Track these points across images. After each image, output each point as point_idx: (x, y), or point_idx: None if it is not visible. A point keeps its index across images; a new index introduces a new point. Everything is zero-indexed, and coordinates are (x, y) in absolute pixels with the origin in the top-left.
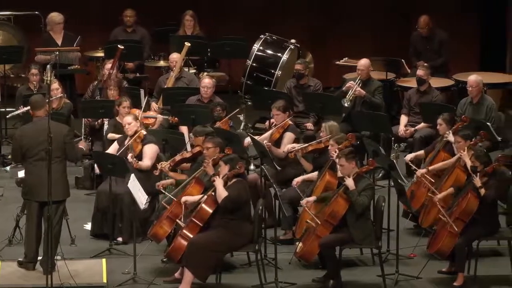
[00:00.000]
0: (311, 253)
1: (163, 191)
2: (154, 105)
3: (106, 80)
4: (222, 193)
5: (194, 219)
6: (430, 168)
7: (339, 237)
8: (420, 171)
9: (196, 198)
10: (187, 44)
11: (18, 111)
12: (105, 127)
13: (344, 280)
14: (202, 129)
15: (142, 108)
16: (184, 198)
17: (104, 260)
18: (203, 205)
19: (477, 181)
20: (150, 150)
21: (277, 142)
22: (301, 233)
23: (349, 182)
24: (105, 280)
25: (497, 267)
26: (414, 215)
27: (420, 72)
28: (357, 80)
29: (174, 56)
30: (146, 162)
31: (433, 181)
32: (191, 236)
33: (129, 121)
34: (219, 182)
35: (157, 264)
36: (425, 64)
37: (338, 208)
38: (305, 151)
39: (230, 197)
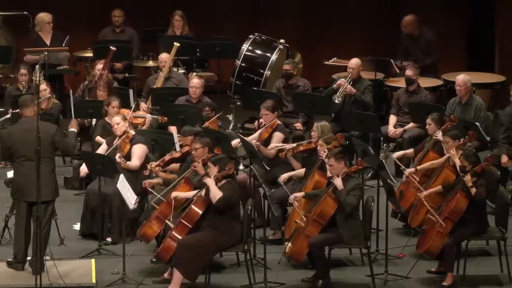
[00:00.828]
0: (300, 253)
1: (150, 189)
2: (143, 105)
3: (97, 81)
4: (216, 193)
5: (183, 221)
6: (418, 167)
7: (328, 237)
8: (408, 170)
9: (187, 194)
10: (176, 44)
11: (7, 116)
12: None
13: (333, 280)
14: (191, 129)
15: (132, 108)
16: (174, 194)
17: (93, 260)
18: (193, 206)
19: (468, 180)
20: (139, 150)
21: (266, 142)
22: (290, 233)
23: (337, 182)
24: (94, 281)
25: (486, 267)
26: (403, 215)
27: (409, 72)
28: (347, 78)
29: (163, 56)
30: (135, 162)
31: (418, 179)
32: (180, 237)
33: (118, 121)
34: (211, 182)
35: (146, 264)
36: (415, 64)
37: (327, 208)
38: (296, 150)
39: (225, 197)
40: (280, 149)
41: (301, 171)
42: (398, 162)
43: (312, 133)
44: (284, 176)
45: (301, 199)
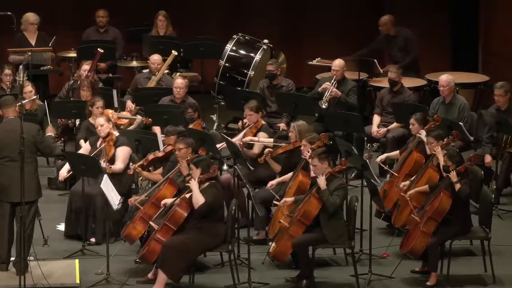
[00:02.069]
0: (284, 253)
1: (138, 205)
2: (129, 103)
3: (82, 81)
4: (199, 198)
5: (168, 224)
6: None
7: (312, 237)
8: (409, 193)
9: (172, 200)
10: (174, 52)
11: None
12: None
13: (317, 280)
14: (174, 128)
15: (117, 109)
16: (163, 202)
17: (77, 261)
18: (178, 208)
19: (454, 176)
20: (123, 153)
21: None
22: (274, 233)
23: (321, 181)
24: (78, 281)
25: (470, 267)
26: (387, 214)
27: (391, 74)
28: (332, 81)
29: (156, 58)
30: (119, 165)
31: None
32: (165, 240)
33: (102, 123)
34: (195, 186)
35: (130, 265)
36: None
37: (310, 208)
38: (275, 153)
39: (207, 203)
40: (258, 155)
41: (288, 175)
42: (382, 165)
43: (289, 134)
44: (272, 182)
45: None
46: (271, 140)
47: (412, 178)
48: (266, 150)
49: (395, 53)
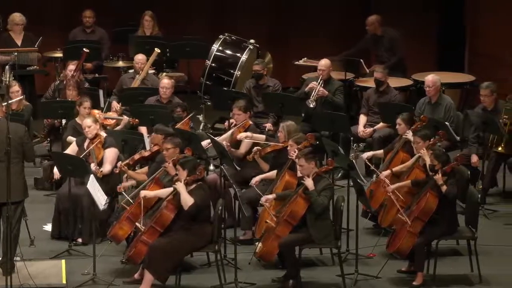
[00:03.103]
0: (270, 253)
1: (124, 193)
2: (115, 104)
3: (67, 81)
4: (188, 199)
5: (154, 226)
6: (394, 169)
7: (298, 237)
8: (384, 173)
9: (156, 193)
10: (157, 50)
11: None
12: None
13: (304, 280)
14: (164, 128)
15: (103, 109)
16: (143, 193)
17: (63, 261)
18: (164, 210)
19: (439, 178)
20: (111, 154)
21: (238, 142)
22: (261, 233)
23: (308, 183)
24: (64, 281)
25: (456, 267)
26: (374, 214)
27: (377, 74)
28: (319, 80)
29: (140, 58)
30: (107, 167)
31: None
32: (151, 242)
33: (89, 124)
34: (182, 188)
35: (116, 265)
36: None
37: (297, 208)
38: (263, 152)
39: (196, 204)
40: (247, 152)
41: (273, 173)
42: (368, 163)
43: (278, 134)
44: (256, 179)
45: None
46: (263, 137)
47: (398, 167)
48: (255, 148)
49: (381, 53)
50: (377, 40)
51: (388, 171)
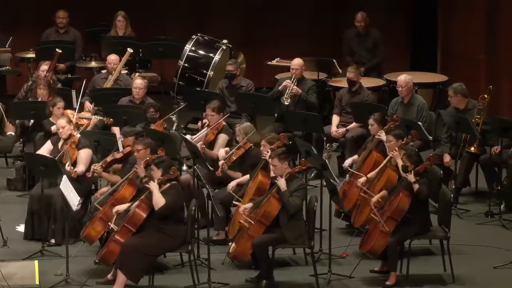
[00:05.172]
0: (244, 253)
1: (97, 206)
2: (88, 104)
3: (39, 80)
4: (159, 200)
5: (127, 225)
6: (369, 175)
7: (272, 237)
8: (360, 181)
9: (126, 206)
10: (130, 50)
11: None
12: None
13: (277, 280)
14: (131, 129)
15: (76, 109)
16: (115, 209)
17: (36, 262)
18: (137, 210)
19: (411, 177)
20: (85, 155)
21: (212, 144)
22: (234, 233)
23: (281, 183)
24: (37, 282)
25: (429, 266)
26: (347, 214)
27: (350, 74)
28: (292, 79)
29: (113, 58)
30: (81, 168)
31: (368, 191)
32: (124, 241)
33: (63, 125)
34: (155, 188)
35: (89, 266)
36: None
37: (270, 209)
38: (230, 162)
39: (168, 204)
40: (215, 169)
41: (247, 177)
42: (350, 169)
43: (237, 138)
44: (232, 184)
45: (245, 199)
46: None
47: (371, 174)
48: (220, 162)
49: (362, 53)
50: (360, 40)
51: (364, 178)
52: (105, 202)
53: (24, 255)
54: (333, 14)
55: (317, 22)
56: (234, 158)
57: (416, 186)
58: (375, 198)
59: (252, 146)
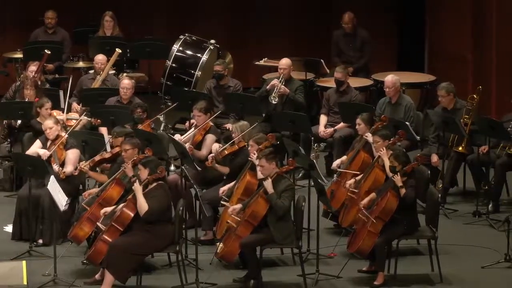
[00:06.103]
0: (231, 254)
1: (85, 206)
2: (75, 105)
3: (26, 80)
4: (143, 205)
5: (114, 224)
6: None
7: (259, 237)
8: (351, 189)
9: (113, 208)
10: (118, 50)
11: None
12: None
13: (265, 280)
14: (122, 130)
15: (64, 110)
16: (103, 210)
17: (24, 262)
18: (124, 209)
19: (398, 180)
20: (73, 156)
21: (199, 144)
22: (222, 233)
23: (268, 185)
24: (25, 282)
25: (417, 266)
26: (334, 214)
27: (337, 74)
28: (280, 78)
29: (100, 58)
30: (69, 169)
31: (357, 191)
32: (111, 240)
33: (50, 125)
34: (138, 190)
35: (77, 266)
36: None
37: (258, 209)
38: (220, 156)
39: (152, 210)
40: (207, 156)
41: None
42: (339, 170)
43: (232, 135)
44: (224, 189)
45: (233, 199)
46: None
47: (359, 177)
48: (211, 155)
49: (350, 52)
50: (349, 39)
51: (352, 180)
52: (93, 202)
53: (12, 255)
54: (320, 14)
55: (304, 22)
56: (226, 153)
57: (402, 191)
58: (364, 201)
59: (246, 146)
